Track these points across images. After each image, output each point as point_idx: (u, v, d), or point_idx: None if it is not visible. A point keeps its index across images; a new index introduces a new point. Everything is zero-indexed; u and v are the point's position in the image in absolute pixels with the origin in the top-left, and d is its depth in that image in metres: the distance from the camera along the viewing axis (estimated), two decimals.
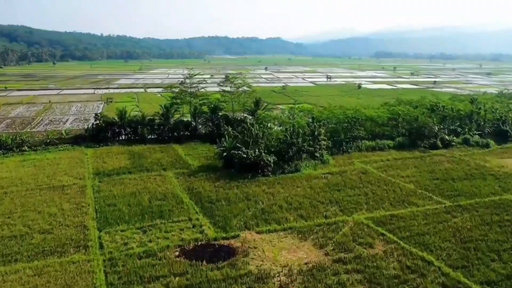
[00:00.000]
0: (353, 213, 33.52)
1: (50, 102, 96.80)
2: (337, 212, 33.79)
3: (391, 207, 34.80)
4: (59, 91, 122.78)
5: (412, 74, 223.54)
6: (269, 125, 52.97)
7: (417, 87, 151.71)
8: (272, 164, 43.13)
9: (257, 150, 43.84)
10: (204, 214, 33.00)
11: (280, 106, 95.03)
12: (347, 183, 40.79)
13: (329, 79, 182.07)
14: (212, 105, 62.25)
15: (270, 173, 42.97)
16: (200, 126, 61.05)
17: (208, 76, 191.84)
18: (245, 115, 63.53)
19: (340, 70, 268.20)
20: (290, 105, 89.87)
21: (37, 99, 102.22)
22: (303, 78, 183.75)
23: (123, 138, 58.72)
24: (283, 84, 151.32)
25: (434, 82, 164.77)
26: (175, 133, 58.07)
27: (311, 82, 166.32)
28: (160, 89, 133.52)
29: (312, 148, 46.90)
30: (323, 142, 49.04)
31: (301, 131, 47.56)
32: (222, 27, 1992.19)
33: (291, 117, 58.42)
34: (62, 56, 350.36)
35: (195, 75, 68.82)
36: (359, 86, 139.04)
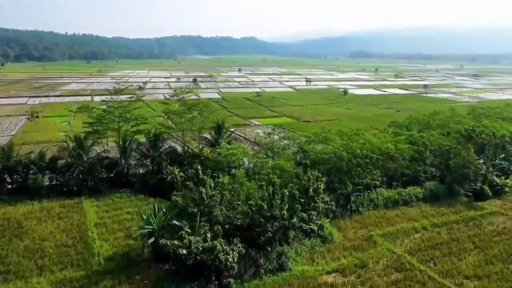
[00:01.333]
0: None
1: None
2: None
3: None
4: None
5: (396, 76, 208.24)
6: (233, 173, 33.15)
7: (408, 92, 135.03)
8: (235, 264, 23.48)
9: (208, 234, 24.09)
10: None
11: (254, 122, 75.44)
12: None
13: (309, 83, 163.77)
14: (151, 134, 41.89)
15: (232, 278, 23.44)
16: (132, 166, 40.73)
17: (174, 79, 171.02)
18: (202, 146, 43.72)
19: (319, 71, 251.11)
20: (268, 123, 70.89)
21: None
22: (280, 82, 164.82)
23: (10, 187, 37.79)
24: (259, 90, 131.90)
25: (425, 86, 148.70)
26: (91, 180, 37.42)
27: (290, 86, 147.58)
28: (110, 98, 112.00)
29: (308, 226, 27.50)
30: (321, 204, 29.75)
31: (286, 192, 27.89)
32: (196, 26, 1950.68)
33: (270, 153, 39.00)
34: (16, 56, 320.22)
35: (121, 90, 47.45)
36: (345, 92, 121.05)
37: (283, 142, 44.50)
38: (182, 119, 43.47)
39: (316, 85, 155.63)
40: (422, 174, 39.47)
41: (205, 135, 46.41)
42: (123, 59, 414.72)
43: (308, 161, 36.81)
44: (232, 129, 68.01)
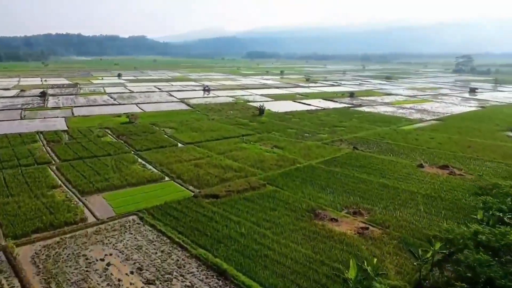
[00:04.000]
0: None
1: None
2: None
3: None
4: None
5: (307, 80, 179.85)
6: None
7: (337, 105, 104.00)
8: None
9: None
10: None
11: (100, 205, 33.97)
12: None
13: (207, 93, 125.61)
14: None
15: None
16: None
17: (16, 91, 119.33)
18: None
19: (218, 75, 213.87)
20: (129, 208, 28.79)
21: None
22: (169, 93, 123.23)
23: None
24: (136, 109, 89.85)
25: (351, 95, 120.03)
26: None
27: (182, 100, 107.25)
28: None
29: None
30: None
31: None
32: (75, 24, 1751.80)
33: None
34: None
35: None
36: (262, 111, 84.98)
37: None
38: None
39: (217, 96, 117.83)
40: None
41: None
42: None
43: None
44: (34, 250, 27.11)
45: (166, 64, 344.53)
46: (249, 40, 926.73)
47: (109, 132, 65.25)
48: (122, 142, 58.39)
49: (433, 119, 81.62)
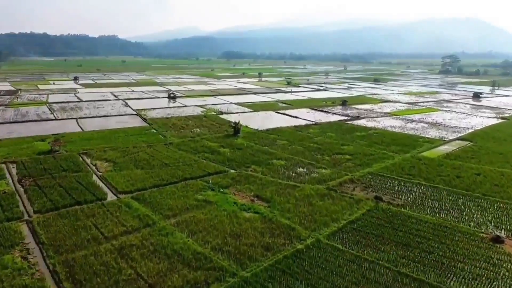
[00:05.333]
0: None
1: None
2: None
3: None
4: None
5: (288, 83, 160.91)
6: None
7: (331, 118, 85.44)
8: None
9: None
10: None
11: None
12: None
13: (172, 101, 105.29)
14: None
15: None
16: None
17: None
18: None
19: (189, 78, 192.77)
20: None
21: None
22: (124, 102, 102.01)
23: None
24: (76, 127, 68.73)
25: (343, 103, 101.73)
26: None
27: (137, 112, 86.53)
28: None
29: None
30: None
31: None
32: (40, 22, 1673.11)
33: None
34: None
35: None
36: (237, 129, 65.11)
37: None
38: None
39: (184, 105, 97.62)
40: None
41: None
42: None
43: None
44: None
45: (135, 65, 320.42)
46: (225, 40, 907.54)
47: (13, 169, 44.28)
48: (22, 191, 37.72)
49: (457, 138, 63.75)
